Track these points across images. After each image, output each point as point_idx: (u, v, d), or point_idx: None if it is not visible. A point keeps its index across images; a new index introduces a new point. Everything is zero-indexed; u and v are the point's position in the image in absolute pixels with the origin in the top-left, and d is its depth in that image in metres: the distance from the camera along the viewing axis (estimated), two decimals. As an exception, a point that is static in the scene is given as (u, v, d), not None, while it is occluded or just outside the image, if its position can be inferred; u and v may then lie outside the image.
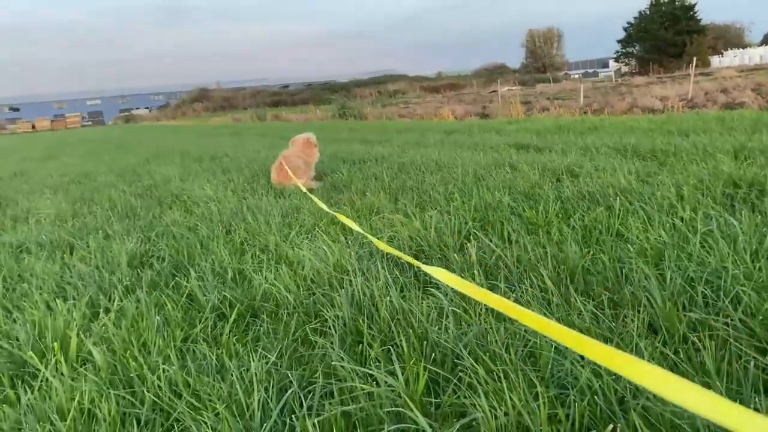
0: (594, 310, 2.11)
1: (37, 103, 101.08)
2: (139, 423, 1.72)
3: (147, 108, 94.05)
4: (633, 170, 4.67)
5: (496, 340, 1.92)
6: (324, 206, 4.19)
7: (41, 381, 2.01)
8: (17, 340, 2.38)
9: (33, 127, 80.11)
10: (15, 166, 13.38)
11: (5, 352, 2.28)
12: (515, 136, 9.33)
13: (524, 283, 2.48)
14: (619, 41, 52.41)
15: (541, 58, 72.33)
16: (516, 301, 2.32)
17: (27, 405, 1.82)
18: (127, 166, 10.44)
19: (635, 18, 50.35)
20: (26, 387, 1.99)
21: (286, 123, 29.28)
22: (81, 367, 2.12)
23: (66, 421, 1.68)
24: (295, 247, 3.45)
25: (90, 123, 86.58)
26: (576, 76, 51.81)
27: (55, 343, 2.24)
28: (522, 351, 1.87)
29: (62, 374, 2.05)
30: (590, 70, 62.31)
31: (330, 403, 1.73)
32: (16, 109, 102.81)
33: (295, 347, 2.20)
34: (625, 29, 51.60)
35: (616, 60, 54.59)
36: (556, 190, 4.25)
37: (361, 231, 3.16)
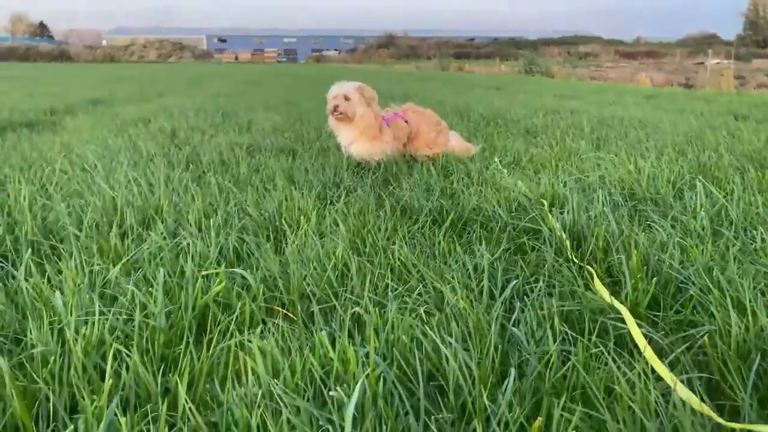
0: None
1: (241, 36, 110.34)
2: (380, 284, 1.97)
3: (336, 50, 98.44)
4: None
5: (727, 272, 1.90)
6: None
7: (293, 243, 2.35)
8: (267, 211, 2.79)
9: (236, 58, 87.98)
10: (232, 88, 14.94)
11: (263, 218, 2.70)
12: (728, 106, 8.51)
13: (750, 233, 2.38)
14: None
15: (764, 31, 63.70)
16: (740, 249, 2.24)
17: (289, 255, 2.17)
18: (323, 98, 11.15)
19: None
20: (283, 244, 2.36)
21: (469, 75, 29.14)
22: (327, 236, 2.45)
23: (328, 267, 1.98)
24: (499, 175, 3.57)
25: (285, 60, 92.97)
26: (804, 53, 45.00)
27: (302, 216, 2.61)
28: (756, 287, 1.83)
29: (308, 239, 2.39)
30: (824, 49, 53.69)
31: (552, 300, 1.85)
32: (224, 40, 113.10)
33: (507, 256, 2.34)
34: None
35: None
36: (784, 158, 3.90)
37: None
